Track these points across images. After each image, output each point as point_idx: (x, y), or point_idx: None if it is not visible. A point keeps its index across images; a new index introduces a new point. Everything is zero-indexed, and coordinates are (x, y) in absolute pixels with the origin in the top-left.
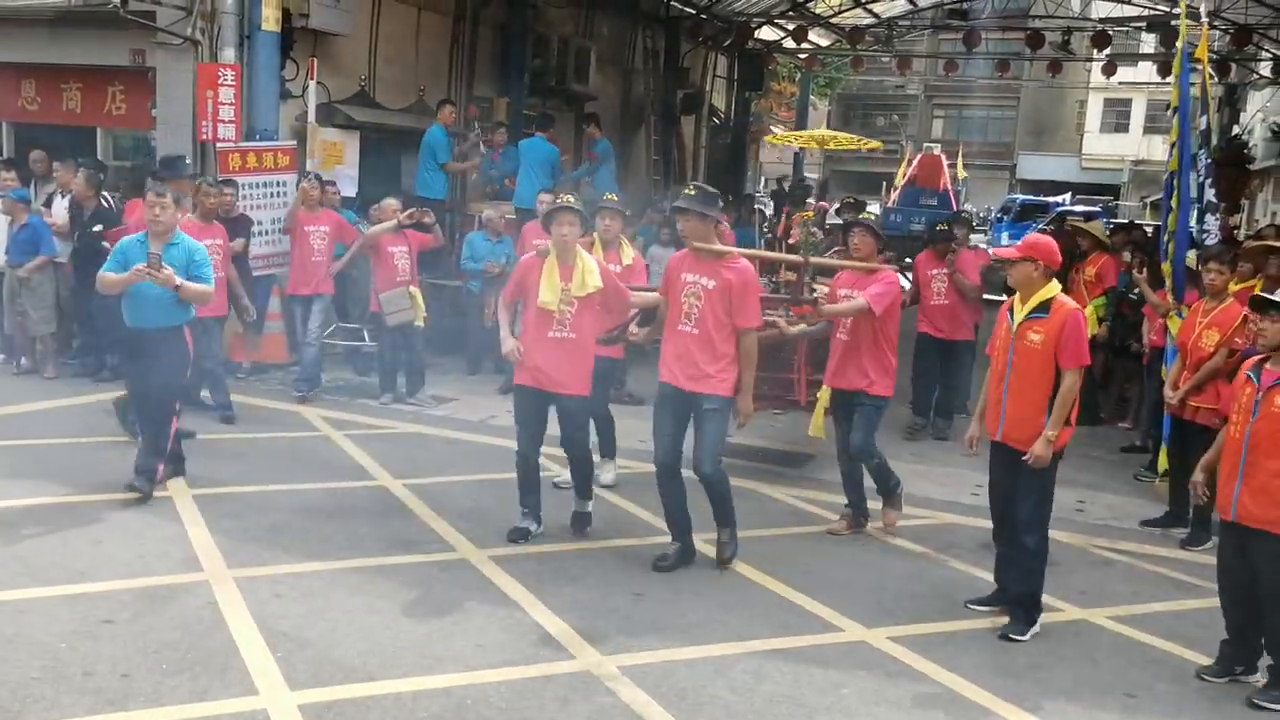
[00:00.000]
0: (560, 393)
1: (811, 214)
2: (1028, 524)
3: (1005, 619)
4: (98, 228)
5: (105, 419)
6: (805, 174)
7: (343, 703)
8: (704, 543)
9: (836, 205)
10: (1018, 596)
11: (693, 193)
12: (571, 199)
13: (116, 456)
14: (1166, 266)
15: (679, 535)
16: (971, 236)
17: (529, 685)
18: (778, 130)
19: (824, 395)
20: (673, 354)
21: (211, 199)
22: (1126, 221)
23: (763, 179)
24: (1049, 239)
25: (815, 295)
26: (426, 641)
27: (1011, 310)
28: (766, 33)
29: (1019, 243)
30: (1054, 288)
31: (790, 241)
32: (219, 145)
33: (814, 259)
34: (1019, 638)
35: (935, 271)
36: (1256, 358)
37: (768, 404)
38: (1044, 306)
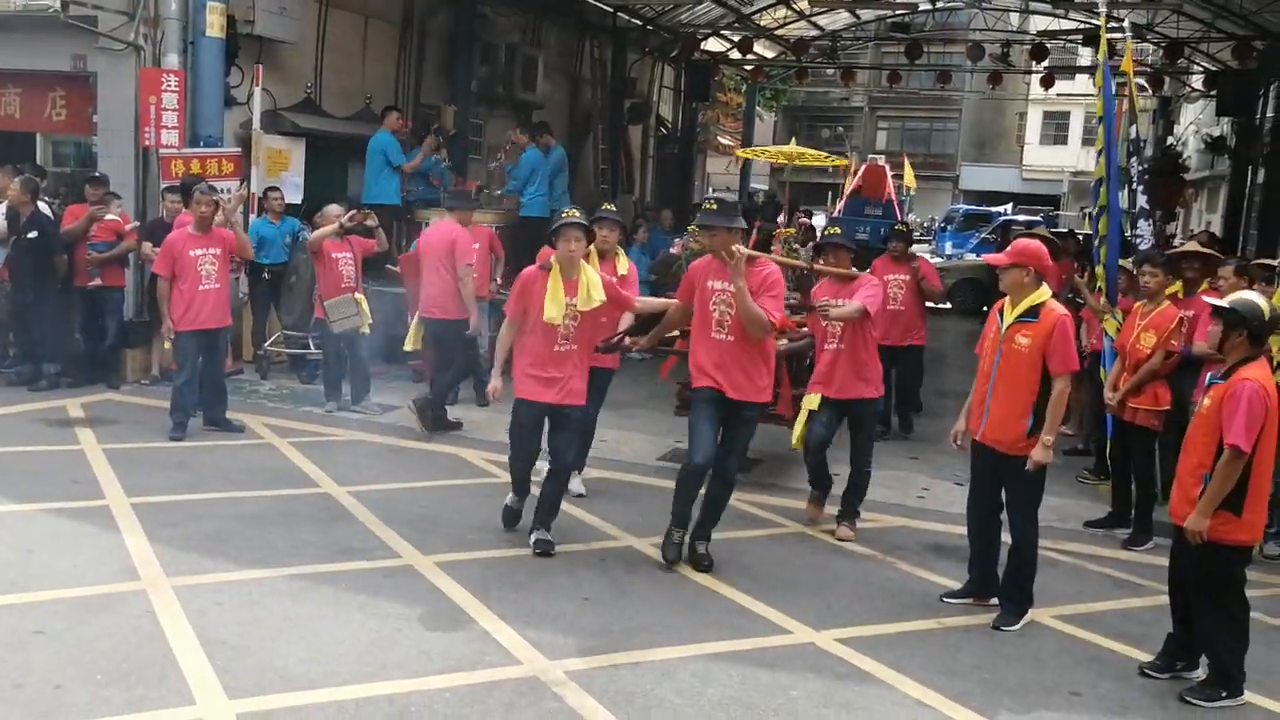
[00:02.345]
0: (559, 404)
1: (794, 230)
2: (1020, 521)
3: (956, 613)
4: (33, 234)
5: (42, 428)
6: (754, 186)
7: (282, 711)
8: (652, 545)
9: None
10: (1009, 589)
11: (714, 207)
12: (577, 213)
13: (51, 466)
14: (1100, 270)
15: (685, 524)
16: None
17: (474, 691)
18: (725, 140)
19: (812, 402)
20: (711, 362)
21: (204, 206)
22: (1065, 230)
23: (710, 189)
24: (1038, 243)
25: (825, 303)
26: (370, 648)
27: (1001, 312)
28: (713, 44)
29: (1009, 249)
30: (1044, 293)
31: (773, 255)
32: (162, 151)
33: (817, 266)
34: (1009, 628)
35: (893, 277)
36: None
37: None
38: (1033, 311)
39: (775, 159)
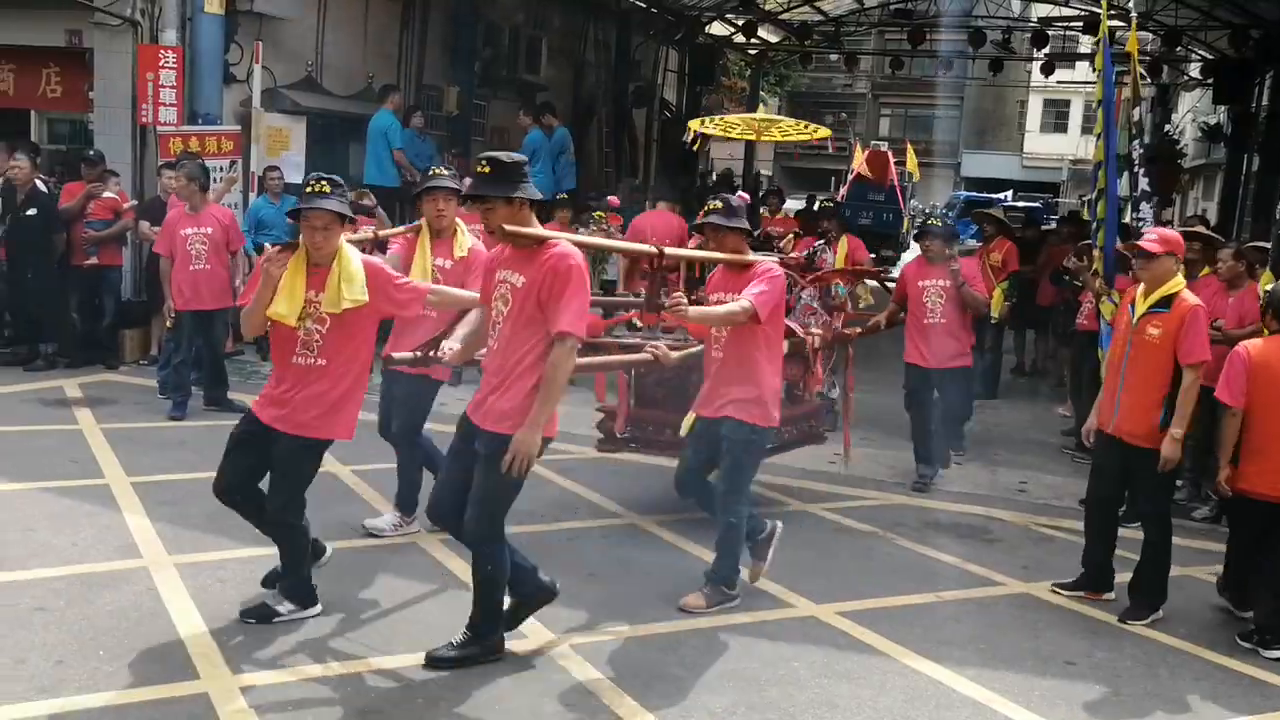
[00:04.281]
0: (280, 429)
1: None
2: (1151, 514)
3: (955, 586)
4: (31, 211)
5: (39, 408)
6: (758, 170)
7: (289, 685)
8: (655, 521)
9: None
10: (1142, 583)
11: (494, 166)
12: (327, 186)
13: (49, 445)
14: (1097, 253)
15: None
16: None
17: (482, 665)
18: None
19: (686, 424)
20: (483, 379)
21: (175, 181)
22: (1067, 215)
23: (714, 174)
24: (1172, 231)
25: (677, 300)
26: (375, 624)
27: (1133, 304)
28: (717, 28)
29: (1156, 239)
30: (1178, 283)
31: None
32: (160, 129)
33: (668, 250)
34: (1137, 622)
35: (928, 283)
36: None
37: (663, 450)
38: (1165, 301)
39: (729, 130)
